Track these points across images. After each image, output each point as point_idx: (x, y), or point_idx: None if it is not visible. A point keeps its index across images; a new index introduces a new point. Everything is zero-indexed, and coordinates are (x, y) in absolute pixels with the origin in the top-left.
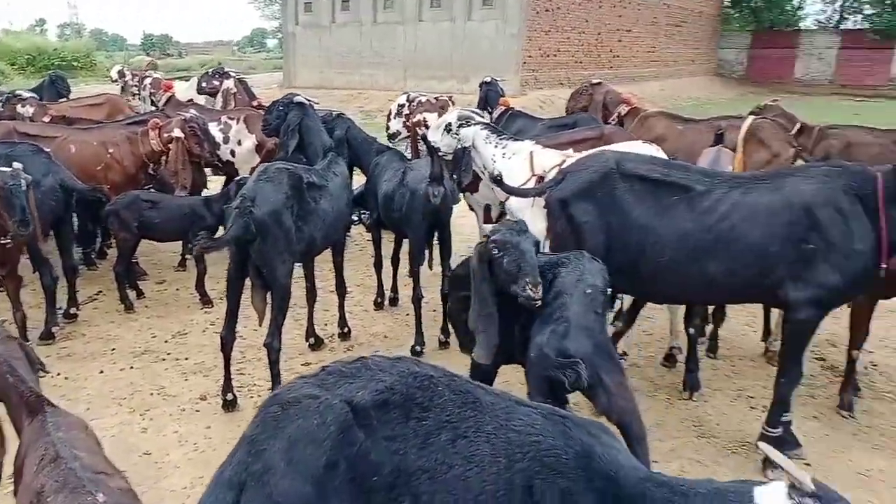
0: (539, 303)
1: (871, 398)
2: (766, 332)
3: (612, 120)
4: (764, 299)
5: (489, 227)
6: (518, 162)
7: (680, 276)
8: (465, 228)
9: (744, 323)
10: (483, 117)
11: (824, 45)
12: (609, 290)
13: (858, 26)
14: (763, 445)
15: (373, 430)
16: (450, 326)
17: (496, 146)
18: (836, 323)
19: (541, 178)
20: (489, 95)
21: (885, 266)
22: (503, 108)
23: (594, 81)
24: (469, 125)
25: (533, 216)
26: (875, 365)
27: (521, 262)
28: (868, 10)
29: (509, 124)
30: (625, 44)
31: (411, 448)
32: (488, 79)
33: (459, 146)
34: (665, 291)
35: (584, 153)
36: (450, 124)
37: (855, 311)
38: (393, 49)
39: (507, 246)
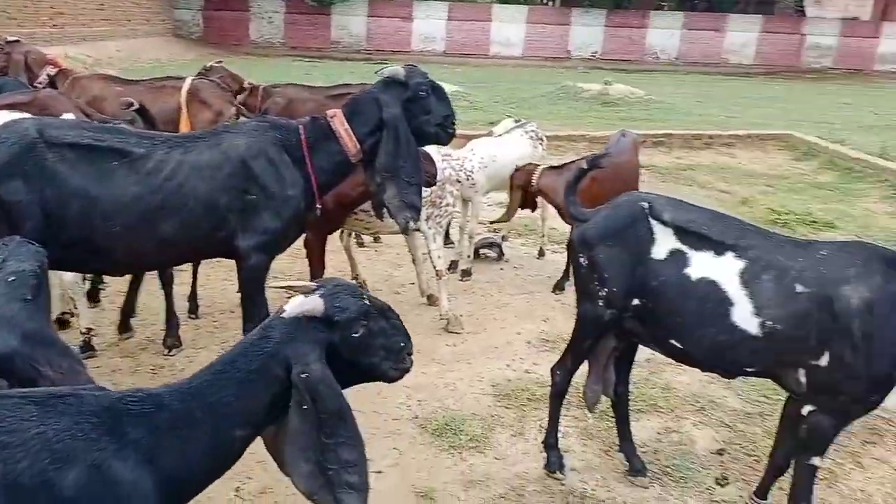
0: None
1: None
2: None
3: (39, 83)
4: (222, 252)
5: None
6: None
7: (137, 242)
8: None
9: (223, 278)
10: None
11: (272, 8)
12: (43, 272)
13: None
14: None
15: None
16: None
17: None
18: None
19: None
20: None
21: (320, 207)
22: None
23: (10, 39)
24: None
25: None
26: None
27: None
28: None
29: None
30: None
31: None
32: None
33: None
34: (125, 261)
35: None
36: None
37: (309, 249)
38: None
39: None
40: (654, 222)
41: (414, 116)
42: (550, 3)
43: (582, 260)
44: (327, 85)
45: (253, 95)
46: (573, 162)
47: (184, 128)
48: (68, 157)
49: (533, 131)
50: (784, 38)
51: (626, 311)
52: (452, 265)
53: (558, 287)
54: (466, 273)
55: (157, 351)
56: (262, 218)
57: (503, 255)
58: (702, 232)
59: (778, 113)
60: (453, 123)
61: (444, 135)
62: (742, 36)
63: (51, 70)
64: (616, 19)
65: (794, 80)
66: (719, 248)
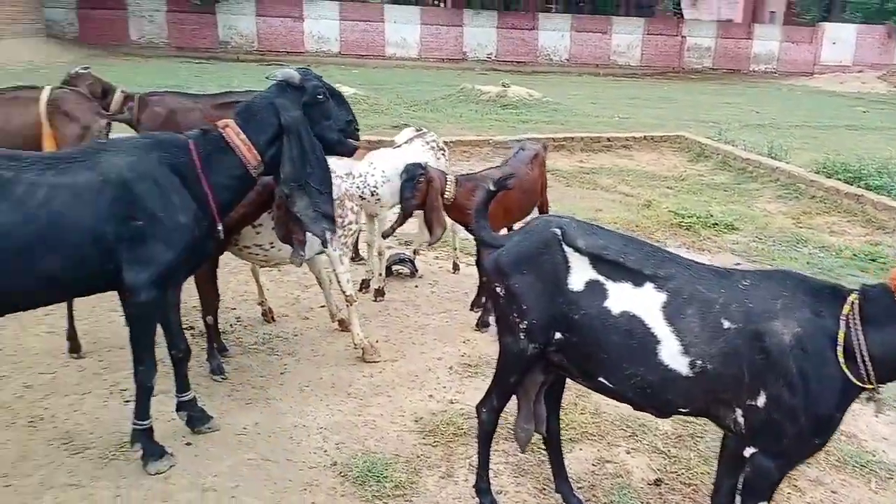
0: None
1: (241, 354)
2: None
3: None
4: (111, 286)
5: None
6: None
7: (15, 278)
8: None
9: (109, 309)
10: None
11: (153, 7)
12: None
13: None
14: None
15: None
16: None
17: None
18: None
19: None
20: None
21: (221, 228)
22: None
23: None
24: None
25: None
26: (239, 319)
27: None
28: None
29: None
30: None
31: None
32: None
33: None
34: (7, 299)
35: None
36: None
37: (198, 278)
38: None
39: None
40: (568, 249)
41: (314, 122)
42: (442, 5)
43: (498, 289)
44: (212, 93)
45: (127, 105)
46: (485, 171)
47: (48, 145)
48: None
49: (434, 141)
50: (666, 40)
51: (550, 344)
52: (364, 285)
53: (475, 305)
54: (379, 293)
55: (35, 399)
56: (151, 248)
57: (416, 270)
58: (618, 260)
59: (668, 114)
60: (356, 129)
61: (347, 143)
62: (627, 38)
63: None
64: (507, 21)
65: (678, 81)
66: (638, 278)
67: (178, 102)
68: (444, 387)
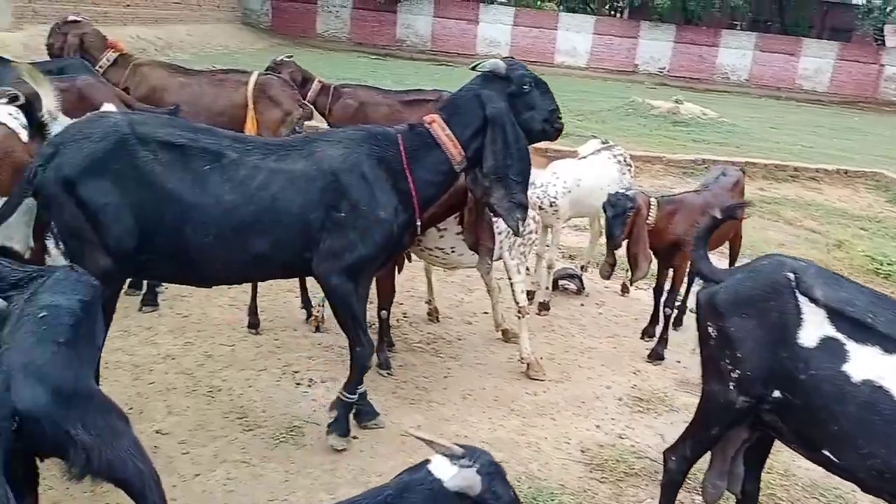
0: None
1: (406, 351)
2: (307, 299)
3: (99, 67)
4: (306, 272)
5: None
6: None
7: (228, 253)
8: None
9: (286, 289)
10: None
11: (340, 3)
12: (88, 307)
13: None
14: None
15: None
16: None
17: None
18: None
19: None
20: None
21: (420, 223)
22: None
23: (70, 18)
24: None
25: None
26: (406, 315)
27: None
28: None
29: None
30: None
31: None
32: None
33: None
34: (212, 274)
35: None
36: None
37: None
38: None
39: None
40: (801, 298)
41: (518, 113)
42: (618, 15)
43: (710, 329)
44: (400, 89)
45: (323, 94)
46: (684, 194)
47: (249, 127)
48: (162, 156)
49: (620, 155)
50: (861, 67)
51: (764, 401)
52: (528, 296)
53: (647, 334)
54: (544, 306)
55: (214, 369)
56: (348, 240)
57: (583, 288)
58: (865, 320)
59: (857, 147)
60: (559, 118)
61: (552, 130)
62: (816, 62)
63: (111, 54)
64: (686, 35)
65: (870, 112)
66: (888, 343)
67: (368, 96)
68: (613, 419)
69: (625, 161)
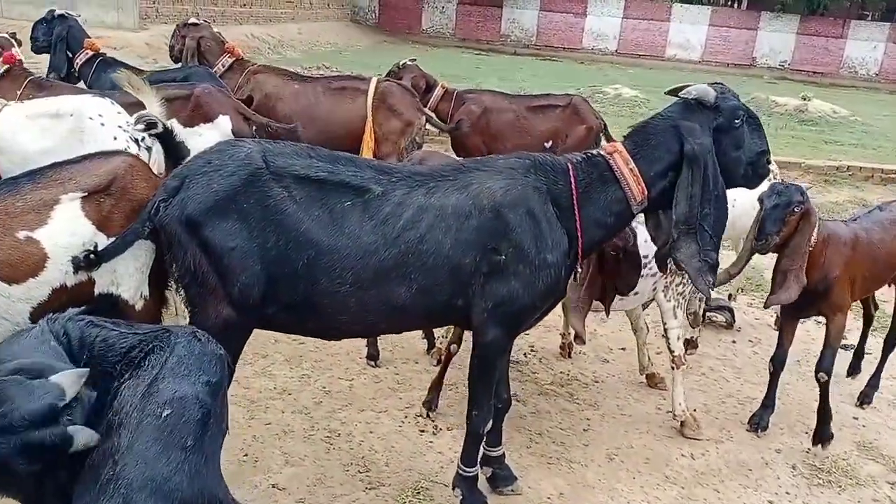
0: None
1: (538, 394)
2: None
3: (214, 71)
4: (456, 321)
5: None
6: None
7: (366, 303)
8: None
9: None
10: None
11: None
12: (216, 390)
13: None
14: None
15: None
16: None
17: None
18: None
19: None
20: (71, 34)
21: (581, 270)
22: (89, 52)
23: (190, 21)
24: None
25: None
26: (533, 349)
27: None
28: None
29: (99, 75)
30: None
31: None
32: (58, 11)
33: None
34: (347, 327)
35: None
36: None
37: None
38: None
39: None
40: None
41: (722, 152)
42: (736, 6)
43: None
44: (527, 94)
45: (445, 100)
46: (871, 212)
47: (368, 138)
48: (297, 193)
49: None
50: None
51: None
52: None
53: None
54: (692, 344)
55: (333, 409)
56: (508, 285)
57: (734, 321)
58: None
59: None
60: (768, 162)
61: (755, 178)
62: None
63: (227, 59)
64: (811, 26)
65: None
66: None
67: (493, 101)
68: (788, 493)
69: (772, 177)
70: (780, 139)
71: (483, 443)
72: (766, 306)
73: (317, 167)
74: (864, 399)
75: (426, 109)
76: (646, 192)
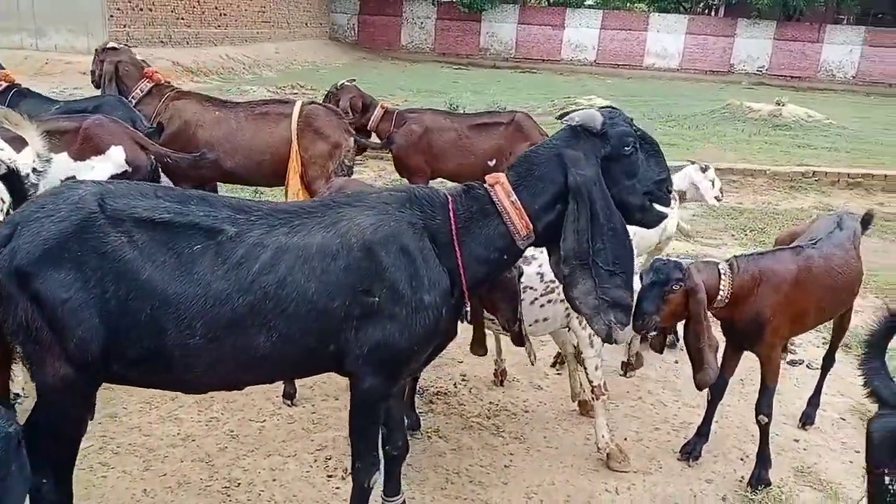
0: None
1: (463, 429)
2: None
3: (132, 98)
4: (330, 368)
5: None
6: None
7: (221, 355)
8: None
9: None
10: None
11: (424, 14)
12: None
13: None
14: None
15: None
16: None
17: None
18: None
19: None
20: None
21: (468, 309)
22: (3, 83)
23: (109, 45)
24: None
25: None
26: (465, 378)
27: None
28: None
29: (13, 107)
30: (231, 1)
31: None
32: None
33: None
34: (204, 380)
35: None
36: None
37: None
38: None
39: None
40: None
41: (613, 182)
42: (713, 14)
43: (889, 481)
44: (470, 112)
45: (386, 120)
46: (784, 252)
47: (294, 163)
48: (138, 237)
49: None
50: None
51: None
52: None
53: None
54: (630, 366)
55: (238, 455)
56: (383, 329)
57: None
58: None
59: None
60: (669, 191)
61: (654, 209)
62: None
63: (145, 84)
64: (787, 32)
65: None
66: None
67: (434, 121)
68: None
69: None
70: (754, 145)
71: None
72: (699, 388)
73: (163, 208)
74: (807, 420)
75: (352, 130)
76: (530, 227)
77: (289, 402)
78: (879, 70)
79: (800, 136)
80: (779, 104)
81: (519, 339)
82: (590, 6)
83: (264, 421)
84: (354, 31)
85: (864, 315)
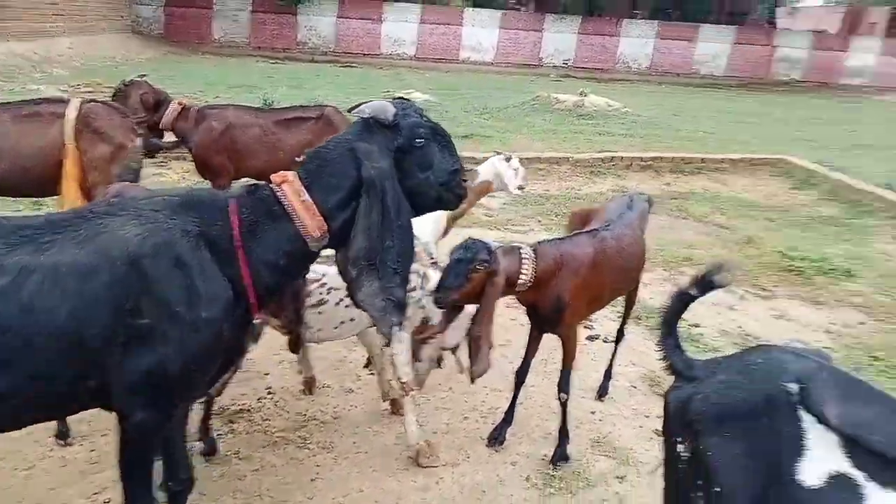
0: None
1: (266, 446)
2: None
3: None
4: (96, 405)
5: None
6: None
7: None
8: None
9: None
10: None
11: (238, 6)
12: None
13: None
14: None
15: None
16: None
17: None
18: None
19: None
20: None
21: (259, 320)
22: None
23: None
24: None
25: None
26: (270, 391)
27: None
28: None
29: None
30: None
31: None
32: None
33: None
34: None
35: None
36: None
37: None
38: None
39: None
40: (805, 418)
41: (407, 175)
42: (524, 9)
43: (680, 447)
44: (278, 107)
45: (183, 118)
46: (581, 236)
47: (71, 168)
48: None
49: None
50: (755, 50)
51: None
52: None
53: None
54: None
55: None
56: (155, 354)
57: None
58: (891, 453)
59: (759, 132)
60: (462, 182)
61: (450, 198)
62: (714, 47)
63: None
64: (589, 27)
65: (762, 93)
66: None
67: (237, 117)
68: None
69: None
70: (560, 134)
71: None
72: (472, 380)
73: None
74: (602, 392)
75: (138, 130)
76: (325, 227)
77: (62, 442)
78: (669, 61)
79: (601, 124)
80: (582, 95)
81: (295, 346)
82: (408, 0)
83: (32, 467)
84: (160, 23)
85: (653, 287)
